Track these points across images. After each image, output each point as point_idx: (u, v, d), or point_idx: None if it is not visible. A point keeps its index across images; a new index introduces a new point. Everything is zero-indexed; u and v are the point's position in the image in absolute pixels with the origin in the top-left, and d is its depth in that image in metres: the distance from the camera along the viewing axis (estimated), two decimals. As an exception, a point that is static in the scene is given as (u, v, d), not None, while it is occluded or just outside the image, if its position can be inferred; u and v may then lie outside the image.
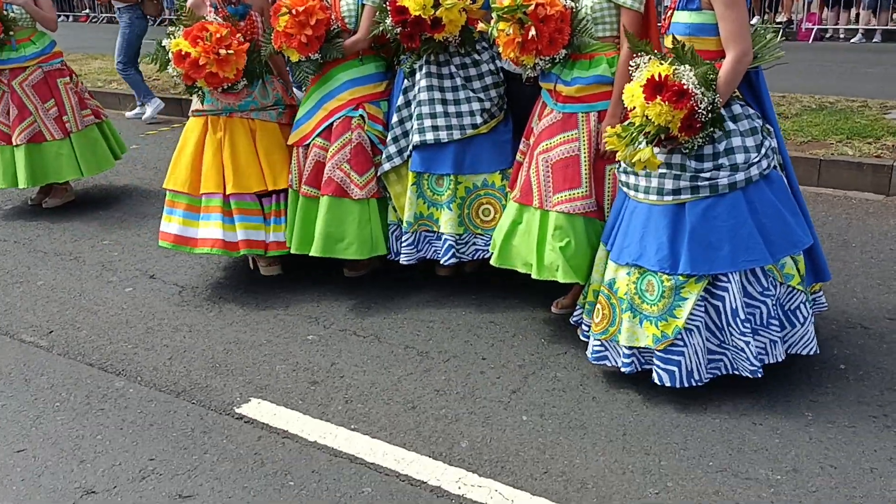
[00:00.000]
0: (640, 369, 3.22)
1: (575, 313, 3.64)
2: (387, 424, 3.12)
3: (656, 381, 3.13)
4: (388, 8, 3.76)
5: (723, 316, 3.09)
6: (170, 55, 3.94)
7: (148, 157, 6.93)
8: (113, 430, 3.16)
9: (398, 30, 3.74)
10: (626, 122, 3.14)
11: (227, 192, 4.16)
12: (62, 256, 4.88)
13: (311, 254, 4.12)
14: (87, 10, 19.04)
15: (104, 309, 4.19)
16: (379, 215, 4.11)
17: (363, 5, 3.97)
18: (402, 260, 4.06)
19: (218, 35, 3.89)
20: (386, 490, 2.76)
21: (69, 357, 3.72)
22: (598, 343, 3.30)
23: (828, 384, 3.24)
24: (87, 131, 5.58)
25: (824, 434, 2.94)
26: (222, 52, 3.87)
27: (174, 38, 3.95)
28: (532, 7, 3.37)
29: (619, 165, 3.30)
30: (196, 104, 4.24)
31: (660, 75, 2.94)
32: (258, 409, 3.25)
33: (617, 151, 3.15)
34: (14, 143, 5.38)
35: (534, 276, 3.58)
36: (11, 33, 5.31)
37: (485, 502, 2.68)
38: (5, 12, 5.27)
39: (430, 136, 3.86)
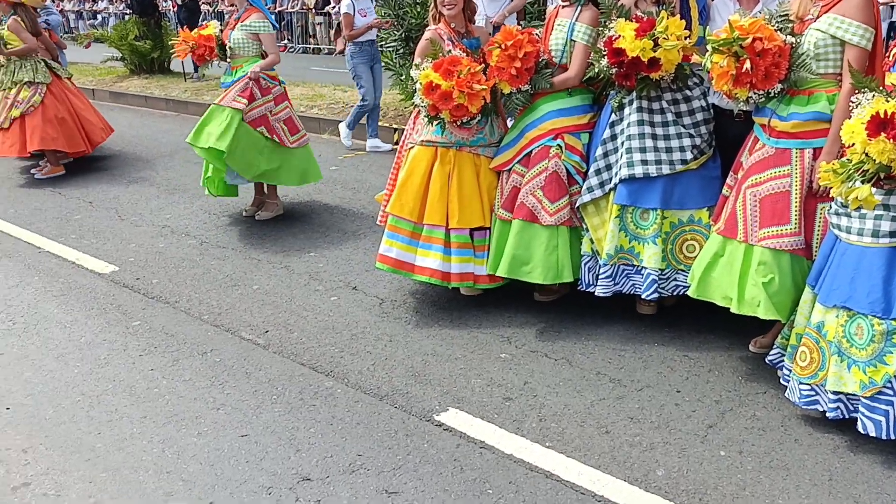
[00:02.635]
0: (846, 416, 3.11)
1: (771, 353, 3.56)
2: (580, 445, 3.19)
3: (861, 429, 3.01)
4: (604, 49, 3.81)
5: (939, 368, 2.93)
6: (418, 85, 4.12)
7: (347, 178, 7.40)
8: (324, 424, 3.42)
9: (614, 70, 3.79)
10: (843, 159, 3.07)
11: (450, 226, 4.31)
12: (274, 264, 5.32)
13: (497, 273, 4.24)
14: (286, 41, 20.55)
15: (312, 315, 4.53)
16: (569, 243, 4.14)
17: (573, 41, 4.09)
18: (599, 292, 4.07)
19: (472, 71, 4.04)
20: (583, 508, 2.82)
21: (283, 356, 4.06)
22: (808, 388, 3.21)
23: None
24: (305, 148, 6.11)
25: None
26: (476, 87, 4.02)
27: (422, 69, 4.12)
28: (749, 40, 3.37)
29: (830, 207, 3.22)
30: (426, 135, 4.36)
31: (885, 112, 2.86)
32: (456, 419, 3.41)
33: (830, 190, 3.09)
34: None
35: (733, 310, 3.54)
36: (229, 61, 5.92)
37: (683, 532, 2.69)
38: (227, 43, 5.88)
39: (638, 170, 3.86)
